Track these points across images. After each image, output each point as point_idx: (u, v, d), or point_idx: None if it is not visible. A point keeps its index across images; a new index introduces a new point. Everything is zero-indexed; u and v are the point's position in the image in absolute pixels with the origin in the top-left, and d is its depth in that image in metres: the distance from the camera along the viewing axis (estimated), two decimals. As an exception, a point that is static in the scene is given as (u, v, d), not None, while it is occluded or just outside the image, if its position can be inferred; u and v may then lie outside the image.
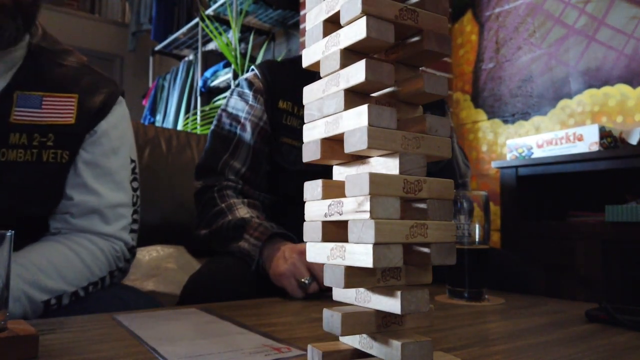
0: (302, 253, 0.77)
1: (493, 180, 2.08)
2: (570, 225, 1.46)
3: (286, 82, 0.94)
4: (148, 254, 1.24)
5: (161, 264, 1.22)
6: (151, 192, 1.28)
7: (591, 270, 1.35)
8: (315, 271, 0.76)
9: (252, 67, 0.99)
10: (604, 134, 1.44)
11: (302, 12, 2.91)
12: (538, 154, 1.63)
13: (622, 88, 1.76)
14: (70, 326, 0.56)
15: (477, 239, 0.77)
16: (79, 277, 0.71)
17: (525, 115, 2.06)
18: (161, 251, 1.26)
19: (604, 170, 1.40)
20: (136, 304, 0.74)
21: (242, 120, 0.93)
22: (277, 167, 0.94)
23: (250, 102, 0.94)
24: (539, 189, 1.63)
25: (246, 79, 0.97)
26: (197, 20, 3.31)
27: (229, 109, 0.96)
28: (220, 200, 0.89)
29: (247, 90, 0.95)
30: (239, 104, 0.95)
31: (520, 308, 0.71)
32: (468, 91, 2.30)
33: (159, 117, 3.69)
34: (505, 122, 2.13)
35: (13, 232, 0.44)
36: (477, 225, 0.77)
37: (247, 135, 0.92)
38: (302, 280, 0.75)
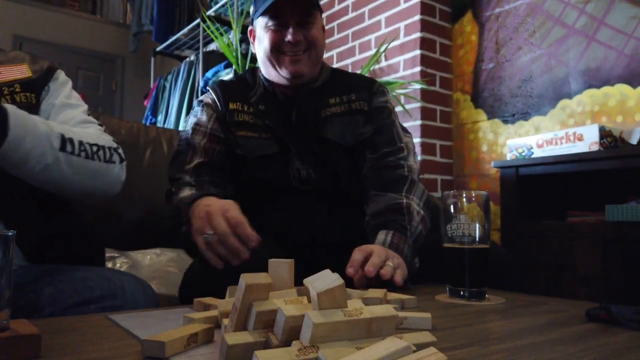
0: (210, 208, 0.77)
1: (493, 180, 2.08)
2: (570, 225, 1.46)
3: (233, 89, 1.09)
4: (149, 257, 1.25)
5: (162, 266, 1.22)
6: (152, 192, 1.28)
7: (591, 269, 1.35)
8: (216, 227, 0.75)
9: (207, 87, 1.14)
10: (604, 133, 1.45)
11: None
12: (538, 153, 1.63)
13: (622, 88, 1.76)
14: (70, 326, 0.57)
15: (477, 238, 0.77)
16: (92, 136, 0.82)
17: (525, 116, 2.06)
18: (162, 255, 1.26)
19: (604, 170, 1.40)
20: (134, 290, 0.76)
21: (191, 131, 1.03)
22: (239, 159, 1.02)
23: (198, 115, 1.06)
24: (539, 189, 1.63)
25: (198, 99, 1.11)
26: (198, 21, 3.32)
27: (185, 129, 1.08)
28: (176, 193, 0.94)
29: (197, 107, 1.09)
30: (190, 120, 1.07)
31: (521, 307, 0.71)
32: (468, 91, 2.30)
33: (160, 118, 3.70)
34: (505, 122, 2.13)
35: (15, 232, 0.45)
36: (477, 225, 0.77)
37: (197, 139, 1.02)
38: (205, 235, 0.75)
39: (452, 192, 0.81)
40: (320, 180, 1.01)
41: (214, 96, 1.07)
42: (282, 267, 0.53)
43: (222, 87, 1.09)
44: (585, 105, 1.86)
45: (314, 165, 1.01)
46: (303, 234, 0.98)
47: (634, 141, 1.43)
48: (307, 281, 0.46)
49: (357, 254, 0.80)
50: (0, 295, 0.42)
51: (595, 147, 1.43)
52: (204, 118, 1.04)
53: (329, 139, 1.03)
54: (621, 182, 1.50)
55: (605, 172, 1.45)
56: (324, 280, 0.45)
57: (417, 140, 2.20)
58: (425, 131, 2.22)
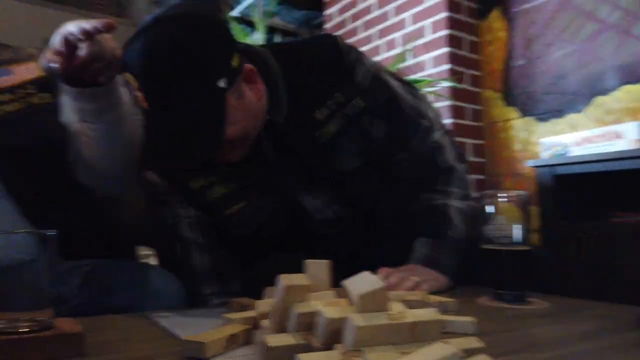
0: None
1: (528, 180, 2.02)
2: (613, 226, 1.41)
3: None
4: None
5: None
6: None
7: (638, 272, 1.30)
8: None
9: None
10: (645, 130, 1.39)
11: (325, 12, 2.91)
12: (575, 152, 1.58)
13: (662, 83, 1.70)
14: (113, 324, 0.57)
15: (517, 240, 0.75)
16: None
17: (560, 113, 2.00)
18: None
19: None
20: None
21: None
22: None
23: None
24: (578, 189, 1.58)
25: None
26: (222, 22, 3.33)
27: None
28: None
29: None
30: None
31: (567, 311, 0.68)
32: (499, 89, 2.25)
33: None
34: (540, 120, 2.08)
35: (56, 232, 0.44)
36: (518, 226, 0.74)
37: None
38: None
39: (489, 191, 0.79)
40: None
41: None
42: (319, 267, 0.52)
43: None
44: (622, 102, 1.80)
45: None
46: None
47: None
48: (347, 283, 0.44)
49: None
50: (44, 294, 0.42)
51: (637, 145, 1.38)
52: None
53: (348, 169, 0.85)
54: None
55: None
56: (365, 282, 0.44)
57: (445, 139, 2.16)
58: (456, 130, 2.18)
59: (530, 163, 1.72)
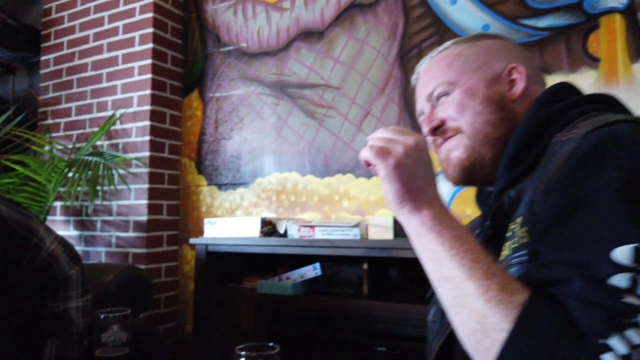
0: None
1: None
2: (236, 290, 1.97)
3: None
4: None
5: None
6: None
7: (249, 325, 1.87)
8: None
9: None
10: (265, 223, 1.99)
11: (42, 58, 2.94)
12: (225, 234, 2.08)
13: (295, 175, 2.37)
14: None
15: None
16: None
17: (234, 186, 2.56)
18: None
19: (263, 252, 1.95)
20: None
21: None
22: None
23: None
24: (223, 259, 2.11)
25: None
26: None
27: None
28: None
29: None
30: None
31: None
32: (193, 158, 2.71)
33: None
34: (220, 189, 2.60)
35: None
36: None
37: None
38: None
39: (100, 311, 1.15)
40: None
41: None
42: None
43: None
44: (273, 184, 2.44)
45: None
46: None
47: (281, 231, 2.01)
48: None
49: None
50: None
51: (257, 234, 1.96)
52: None
53: None
54: (274, 260, 2.08)
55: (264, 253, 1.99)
56: None
57: (144, 202, 2.51)
58: (152, 193, 2.55)
59: (192, 241, 2.18)
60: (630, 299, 0.44)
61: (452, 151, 0.77)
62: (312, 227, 1.87)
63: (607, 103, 0.68)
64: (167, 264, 2.60)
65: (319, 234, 1.86)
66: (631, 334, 0.43)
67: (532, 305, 0.48)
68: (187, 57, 2.79)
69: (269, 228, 1.99)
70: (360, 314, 1.73)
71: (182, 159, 2.74)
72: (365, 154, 0.62)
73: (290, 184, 2.39)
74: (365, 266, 1.81)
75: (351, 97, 2.26)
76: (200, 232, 2.62)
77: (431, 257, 0.58)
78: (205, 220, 2.19)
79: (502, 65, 0.77)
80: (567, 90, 0.72)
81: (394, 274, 2.02)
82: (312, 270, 1.88)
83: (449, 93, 0.77)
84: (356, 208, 2.20)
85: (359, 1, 2.27)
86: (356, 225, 1.80)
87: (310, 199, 2.33)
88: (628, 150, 0.51)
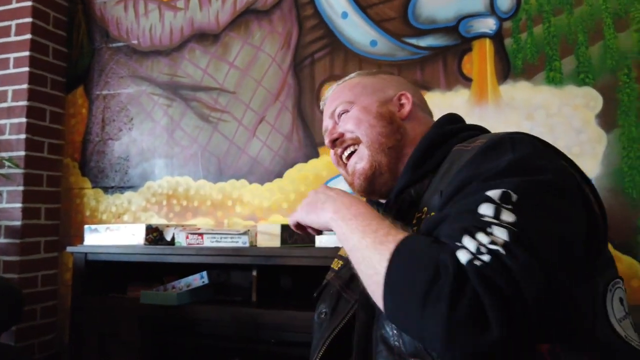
0: None
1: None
2: (115, 300, 1.89)
3: None
4: None
5: None
6: None
7: (131, 336, 1.80)
8: None
9: None
10: (150, 230, 1.92)
11: None
12: (105, 241, 1.98)
13: (188, 180, 2.32)
14: None
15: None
16: None
17: (122, 189, 2.44)
18: None
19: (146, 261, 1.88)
20: None
21: None
22: None
23: None
24: (105, 268, 2.01)
25: None
26: None
27: None
28: None
29: None
30: None
31: None
32: (77, 159, 2.54)
33: None
34: (106, 192, 2.47)
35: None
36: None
37: None
38: None
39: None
40: None
41: None
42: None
43: None
44: (164, 188, 2.36)
45: None
46: None
47: (168, 238, 1.95)
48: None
49: None
50: None
51: (142, 242, 1.89)
52: None
53: None
54: (162, 268, 2.01)
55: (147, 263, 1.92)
56: None
57: (18, 205, 2.31)
58: (28, 196, 2.35)
59: (69, 249, 2.04)
60: (488, 219, 0.57)
61: (358, 163, 0.90)
62: (200, 234, 1.84)
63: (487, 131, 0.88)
64: (44, 272, 2.41)
65: (207, 242, 1.83)
66: (481, 236, 0.55)
67: (407, 239, 0.61)
68: (72, 50, 2.61)
69: (154, 235, 1.92)
70: (247, 321, 1.73)
71: (65, 159, 2.56)
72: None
73: (182, 188, 2.33)
74: (254, 273, 1.82)
75: (246, 102, 2.25)
76: (83, 238, 2.46)
77: (342, 239, 0.71)
78: (86, 227, 2.06)
79: (393, 92, 0.94)
80: (459, 117, 0.93)
81: (284, 281, 2.05)
82: (199, 279, 1.85)
83: (348, 110, 0.92)
84: (249, 213, 2.20)
85: (254, 7, 2.26)
86: (245, 233, 1.80)
87: (203, 204, 2.29)
88: (520, 144, 0.67)
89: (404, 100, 0.93)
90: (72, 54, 2.60)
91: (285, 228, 1.78)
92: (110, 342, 1.86)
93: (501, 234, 0.55)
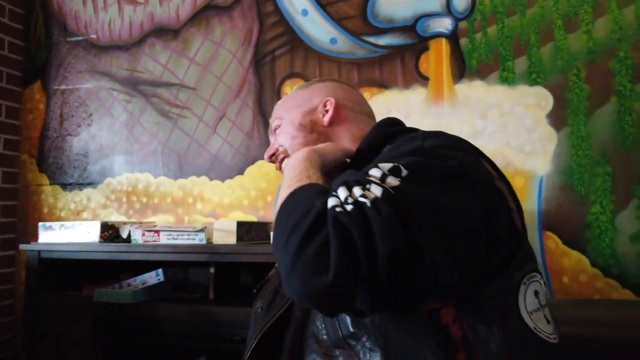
0: None
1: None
2: (68, 298, 1.87)
3: None
4: None
5: None
6: None
7: (85, 336, 1.78)
8: None
9: None
10: (106, 228, 1.90)
11: None
12: (61, 239, 1.94)
13: (162, 179, 2.29)
14: None
15: None
16: None
17: (81, 186, 2.40)
18: None
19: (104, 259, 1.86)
20: None
21: None
22: None
23: None
24: (60, 266, 1.98)
25: None
26: None
27: None
28: None
29: None
30: None
31: None
32: (34, 155, 2.49)
33: None
34: (64, 189, 2.43)
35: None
36: None
37: None
38: None
39: None
40: None
41: None
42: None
43: None
44: (124, 185, 2.33)
45: None
46: None
47: (124, 235, 1.93)
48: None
49: None
50: None
51: (97, 239, 1.87)
52: None
53: None
54: (118, 266, 1.99)
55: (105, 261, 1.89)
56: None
57: (-29, 203, 2.25)
58: (-18, 193, 2.29)
59: (22, 247, 1.99)
60: (372, 178, 0.59)
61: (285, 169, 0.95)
62: (157, 232, 1.83)
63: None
64: (1, 271, 2.36)
65: (164, 239, 1.82)
66: (356, 189, 0.57)
67: (303, 186, 0.65)
68: (29, 44, 2.55)
69: (110, 233, 1.90)
70: (204, 319, 1.73)
71: (22, 155, 2.50)
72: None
73: (142, 185, 2.30)
74: (212, 270, 1.82)
75: (206, 98, 2.24)
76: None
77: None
78: (40, 224, 2.02)
79: (319, 100, 0.98)
80: (398, 120, 0.95)
81: (244, 277, 2.05)
82: (154, 277, 1.83)
83: (280, 125, 0.98)
84: (210, 210, 2.19)
85: (215, 3, 2.25)
86: (202, 230, 1.79)
87: (163, 200, 2.27)
88: (432, 137, 0.71)
89: (328, 106, 0.96)
90: (29, 47, 2.55)
91: (241, 225, 1.78)
92: (65, 341, 1.84)
93: (376, 190, 0.56)
